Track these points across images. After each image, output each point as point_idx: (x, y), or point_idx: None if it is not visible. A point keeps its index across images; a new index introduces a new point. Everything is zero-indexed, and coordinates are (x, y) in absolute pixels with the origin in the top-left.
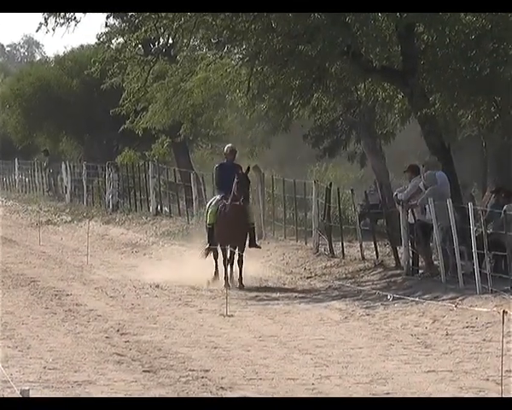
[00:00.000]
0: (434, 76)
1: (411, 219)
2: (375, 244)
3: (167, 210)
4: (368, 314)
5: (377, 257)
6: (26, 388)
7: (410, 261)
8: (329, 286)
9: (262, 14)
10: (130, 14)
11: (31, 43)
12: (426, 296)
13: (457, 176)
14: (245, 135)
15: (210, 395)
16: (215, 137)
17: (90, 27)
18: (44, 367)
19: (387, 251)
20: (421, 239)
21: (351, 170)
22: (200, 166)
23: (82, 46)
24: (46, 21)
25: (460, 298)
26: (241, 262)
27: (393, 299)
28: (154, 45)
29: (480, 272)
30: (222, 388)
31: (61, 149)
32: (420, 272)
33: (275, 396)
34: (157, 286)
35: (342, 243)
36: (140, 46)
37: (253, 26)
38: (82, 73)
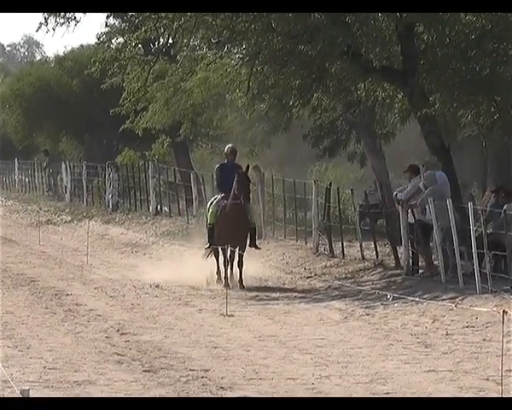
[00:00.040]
0: (434, 76)
1: (411, 219)
2: (374, 244)
3: (167, 210)
4: (368, 314)
5: (377, 257)
6: (26, 388)
7: (410, 261)
8: (329, 286)
9: (262, 14)
10: (130, 14)
11: (31, 43)
12: (426, 296)
13: (457, 176)
14: (245, 135)
15: (210, 395)
16: (215, 137)
17: (90, 27)
18: (44, 367)
19: (387, 251)
20: (421, 239)
21: (351, 170)
22: (200, 166)
23: (82, 46)
24: (46, 21)
25: (460, 298)
26: (241, 262)
27: (393, 299)
28: (154, 45)
29: (479, 271)
30: (222, 388)
31: (61, 149)
32: (420, 271)
33: (275, 396)
34: (157, 286)
35: (342, 243)
36: (140, 46)
37: (252, 26)
38: (82, 72)
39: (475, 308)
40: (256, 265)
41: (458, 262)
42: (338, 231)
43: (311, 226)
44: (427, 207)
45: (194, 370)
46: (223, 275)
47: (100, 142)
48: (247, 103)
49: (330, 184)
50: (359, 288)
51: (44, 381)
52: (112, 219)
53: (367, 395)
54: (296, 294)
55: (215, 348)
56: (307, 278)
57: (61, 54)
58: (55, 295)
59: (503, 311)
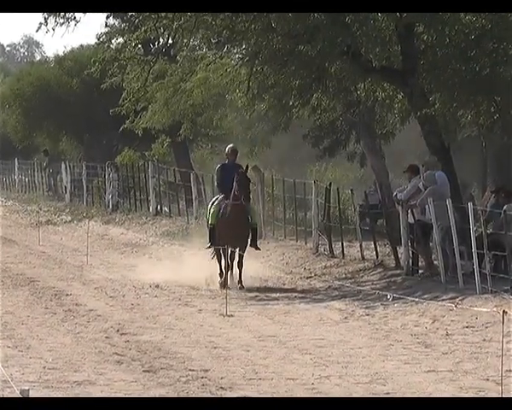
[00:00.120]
0: (434, 76)
1: (411, 219)
2: (374, 244)
3: (167, 210)
4: (367, 314)
5: (377, 257)
6: (26, 388)
7: (410, 261)
8: (329, 286)
9: (262, 14)
10: (130, 14)
11: (31, 43)
12: (426, 296)
13: (457, 176)
14: (245, 135)
15: (210, 395)
16: (215, 137)
17: (90, 27)
18: (44, 367)
19: (387, 251)
20: (421, 239)
21: (350, 170)
22: (200, 166)
23: (82, 46)
24: (46, 21)
25: (460, 298)
26: (241, 263)
27: (393, 299)
28: (153, 45)
29: (479, 272)
30: (222, 388)
31: (61, 149)
32: (420, 272)
33: (275, 396)
34: (157, 286)
35: (342, 243)
36: (140, 46)
37: (252, 26)
38: (82, 72)
39: (475, 309)
40: (256, 265)
41: (458, 262)
42: (338, 232)
43: (310, 226)
44: (426, 207)
45: (193, 370)
46: (223, 276)
47: (100, 142)
48: (247, 103)
49: (330, 184)
50: (359, 288)
51: (44, 381)
52: (112, 220)
53: (367, 395)
54: (296, 294)
55: (215, 348)
56: (307, 278)
57: (60, 54)
58: (55, 295)
59: (503, 311)
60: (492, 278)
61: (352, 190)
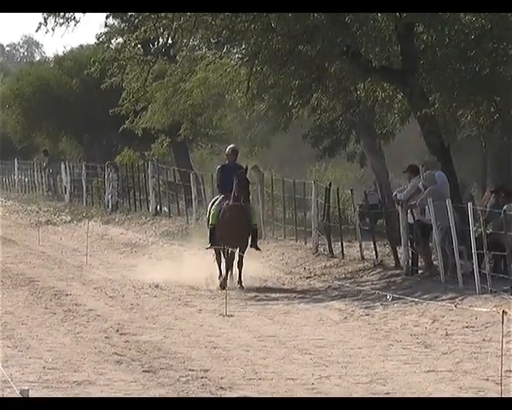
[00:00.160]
0: (434, 76)
1: (411, 220)
2: (374, 244)
3: (167, 210)
4: (367, 314)
5: (377, 257)
6: (26, 388)
7: (410, 261)
8: (329, 286)
9: (261, 14)
10: (129, 14)
11: (30, 43)
12: (425, 296)
13: (457, 176)
14: (244, 135)
15: (210, 395)
16: (215, 137)
17: (89, 27)
18: (44, 367)
19: (387, 251)
20: (421, 239)
21: (350, 170)
22: (199, 166)
23: (81, 46)
24: (46, 21)
25: (459, 298)
26: (241, 263)
27: (393, 299)
28: (153, 45)
29: (479, 272)
30: (221, 388)
31: (61, 149)
32: (419, 272)
33: (274, 396)
34: (156, 286)
35: (342, 243)
36: (139, 46)
37: (252, 26)
38: (81, 72)
39: (475, 309)
40: (256, 265)
41: (458, 262)
42: (337, 232)
43: (310, 226)
44: (426, 207)
45: (193, 370)
46: (223, 277)
47: (99, 142)
48: (247, 103)
49: (330, 184)
50: (359, 288)
51: (44, 381)
52: (111, 220)
53: (367, 395)
54: (296, 294)
55: (215, 348)
56: (307, 278)
57: (60, 54)
58: (55, 295)
59: (503, 311)
60: (492, 278)
61: (351, 190)
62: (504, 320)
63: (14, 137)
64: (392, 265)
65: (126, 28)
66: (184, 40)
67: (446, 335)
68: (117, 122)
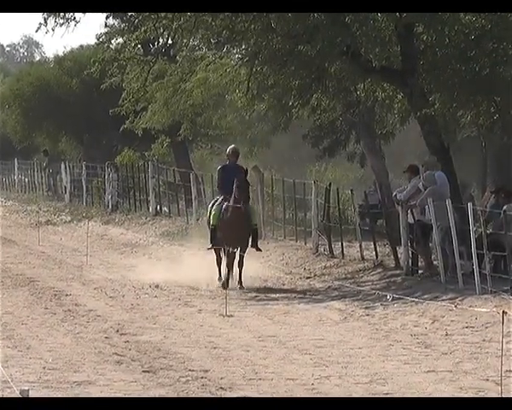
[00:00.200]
0: (434, 76)
1: (411, 220)
2: (374, 244)
3: (167, 210)
4: (367, 314)
5: (377, 257)
6: (26, 388)
7: (410, 261)
8: (329, 286)
9: (261, 14)
10: (129, 14)
11: (30, 44)
12: (425, 296)
13: (457, 176)
14: (244, 135)
15: (210, 395)
16: (214, 137)
17: (89, 27)
18: (44, 367)
19: (387, 251)
20: (421, 239)
21: (350, 170)
22: (199, 166)
23: (81, 46)
24: (46, 21)
25: (459, 298)
26: (241, 263)
27: (393, 299)
28: (153, 45)
29: (479, 272)
30: (221, 388)
31: (61, 149)
32: (419, 272)
33: (274, 396)
34: (156, 286)
35: (342, 244)
36: (139, 46)
37: (252, 26)
38: (81, 73)
39: (475, 309)
40: (256, 265)
41: (458, 262)
42: (338, 232)
43: (310, 227)
44: (426, 207)
45: (193, 370)
46: (225, 277)
47: (99, 142)
48: (247, 103)
49: (330, 184)
50: (359, 288)
51: (44, 381)
52: (111, 220)
53: (367, 395)
54: (296, 294)
55: (215, 348)
56: (307, 278)
57: (60, 54)
58: (55, 295)
59: (503, 311)
60: (492, 279)
61: (351, 190)
62: (504, 320)
63: (14, 137)
64: (393, 265)
65: (126, 28)
66: (184, 40)
67: (446, 335)
68: (117, 122)
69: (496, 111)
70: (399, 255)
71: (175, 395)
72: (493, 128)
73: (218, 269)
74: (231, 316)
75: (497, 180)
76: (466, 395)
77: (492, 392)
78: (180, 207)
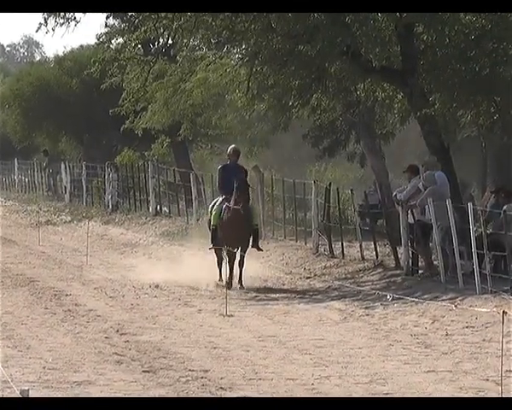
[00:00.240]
0: (434, 76)
1: (411, 220)
2: (374, 244)
3: (167, 210)
4: (367, 314)
5: (377, 257)
6: (26, 388)
7: (410, 261)
8: (329, 286)
9: (262, 14)
10: (129, 14)
11: (30, 44)
12: (425, 296)
13: (457, 176)
14: (244, 135)
15: (210, 395)
16: (214, 137)
17: (89, 27)
18: (44, 367)
19: (387, 251)
20: (421, 239)
21: (350, 170)
22: (199, 166)
23: (82, 46)
24: (46, 21)
25: (460, 298)
26: (242, 263)
27: (393, 299)
28: (153, 45)
29: (479, 272)
30: (221, 388)
31: (61, 149)
32: (419, 272)
33: (274, 396)
34: (156, 286)
35: (342, 244)
36: (140, 46)
37: (252, 26)
38: (82, 73)
39: (475, 309)
40: (256, 265)
41: (458, 262)
42: (338, 232)
43: (310, 227)
44: (426, 207)
45: (193, 370)
46: (226, 276)
47: (99, 142)
48: (247, 103)
49: (330, 184)
50: (359, 288)
51: (44, 381)
52: (111, 220)
53: (367, 395)
54: (296, 294)
55: (215, 348)
56: (307, 278)
57: (60, 54)
58: (55, 295)
59: (503, 311)
60: (492, 279)
61: (351, 190)
62: (504, 320)
63: (14, 137)
64: (393, 265)
65: (126, 28)
66: (184, 40)
67: (446, 335)
68: (117, 122)
69: (496, 111)
70: (399, 255)
71: (175, 395)
72: (493, 128)
73: (218, 270)
74: (231, 316)
75: (497, 180)
76: (466, 395)
77: (492, 392)
78: (180, 207)
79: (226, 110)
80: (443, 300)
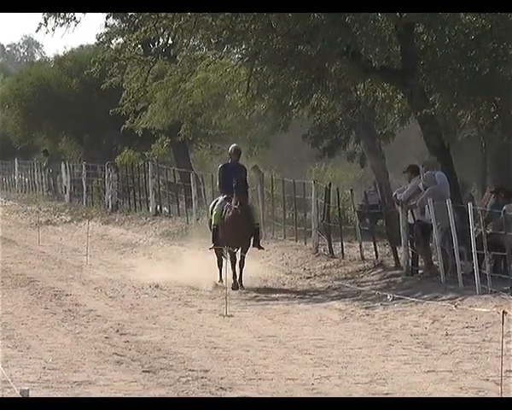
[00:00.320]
0: (434, 76)
1: (411, 220)
2: (374, 244)
3: (167, 210)
4: (367, 315)
5: (377, 257)
6: (26, 388)
7: (410, 262)
8: (329, 286)
9: (262, 14)
10: (129, 14)
11: (30, 44)
12: (425, 297)
13: (457, 176)
14: (244, 135)
15: (210, 395)
16: (214, 137)
17: (89, 27)
18: (44, 367)
19: (387, 251)
20: (421, 239)
21: (350, 170)
22: (199, 166)
23: (82, 46)
24: (46, 21)
25: (459, 298)
26: (242, 263)
27: (393, 299)
28: (153, 45)
29: (479, 272)
30: (221, 388)
31: (61, 149)
32: (419, 272)
33: (274, 396)
34: (156, 286)
35: (342, 244)
36: (139, 46)
37: (252, 26)
38: (82, 73)
39: (475, 309)
40: (256, 265)
41: (458, 263)
42: (337, 232)
43: (310, 227)
44: (426, 207)
45: (193, 370)
46: (230, 277)
47: (99, 142)
48: (247, 103)
49: (330, 184)
50: (359, 288)
51: (44, 381)
52: (111, 220)
53: (367, 395)
54: (296, 294)
55: (215, 348)
56: (307, 278)
57: (60, 54)
58: (55, 295)
59: (503, 311)
60: (492, 279)
61: (351, 191)
62: (504, 320)
63: (14, 137)
64: (393, 265)
65: (126, 28)
66: (184, 40)
67: (446, 335)
68: (117, 122)
69: (496, 111)
70: (399, 255)
71: (175, 395)
72: (493, 128)
73: (218, 271)
74: (231, 316)
75: (497, 180)
76: (466, 395)
77: (492, 392)
78: (180, 207)
79: (226, 110)
80: (443, 300)
